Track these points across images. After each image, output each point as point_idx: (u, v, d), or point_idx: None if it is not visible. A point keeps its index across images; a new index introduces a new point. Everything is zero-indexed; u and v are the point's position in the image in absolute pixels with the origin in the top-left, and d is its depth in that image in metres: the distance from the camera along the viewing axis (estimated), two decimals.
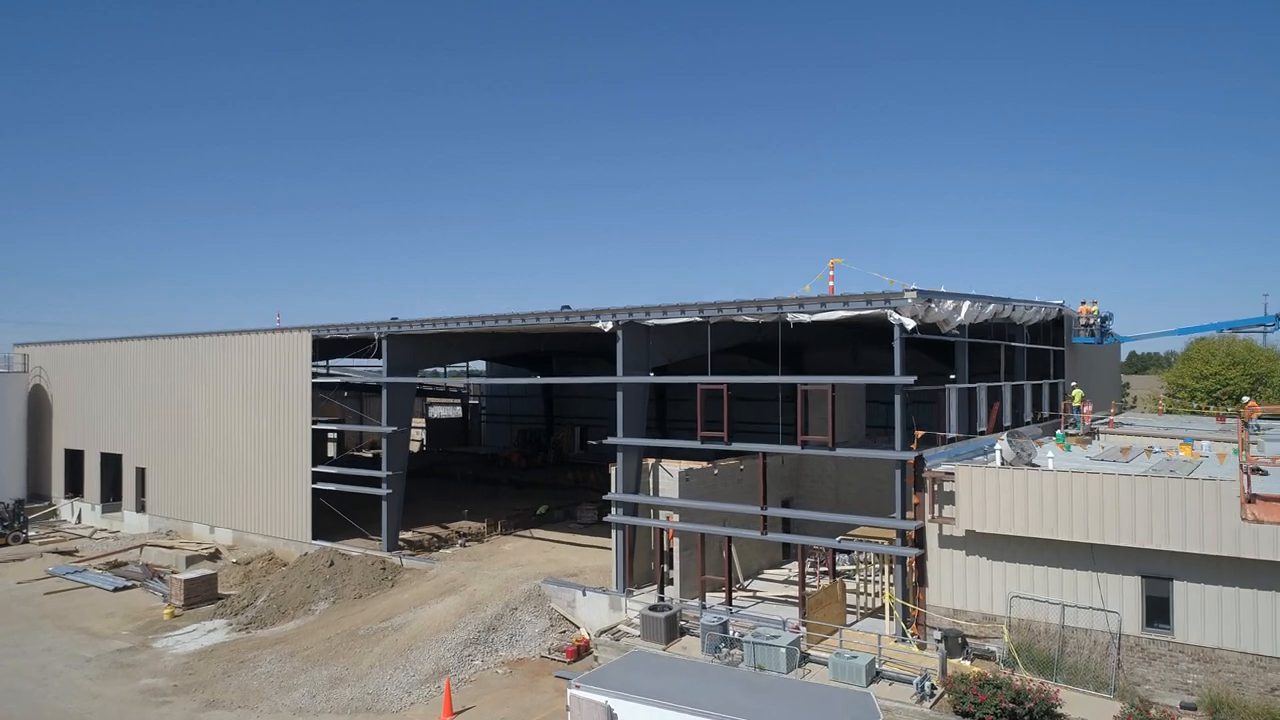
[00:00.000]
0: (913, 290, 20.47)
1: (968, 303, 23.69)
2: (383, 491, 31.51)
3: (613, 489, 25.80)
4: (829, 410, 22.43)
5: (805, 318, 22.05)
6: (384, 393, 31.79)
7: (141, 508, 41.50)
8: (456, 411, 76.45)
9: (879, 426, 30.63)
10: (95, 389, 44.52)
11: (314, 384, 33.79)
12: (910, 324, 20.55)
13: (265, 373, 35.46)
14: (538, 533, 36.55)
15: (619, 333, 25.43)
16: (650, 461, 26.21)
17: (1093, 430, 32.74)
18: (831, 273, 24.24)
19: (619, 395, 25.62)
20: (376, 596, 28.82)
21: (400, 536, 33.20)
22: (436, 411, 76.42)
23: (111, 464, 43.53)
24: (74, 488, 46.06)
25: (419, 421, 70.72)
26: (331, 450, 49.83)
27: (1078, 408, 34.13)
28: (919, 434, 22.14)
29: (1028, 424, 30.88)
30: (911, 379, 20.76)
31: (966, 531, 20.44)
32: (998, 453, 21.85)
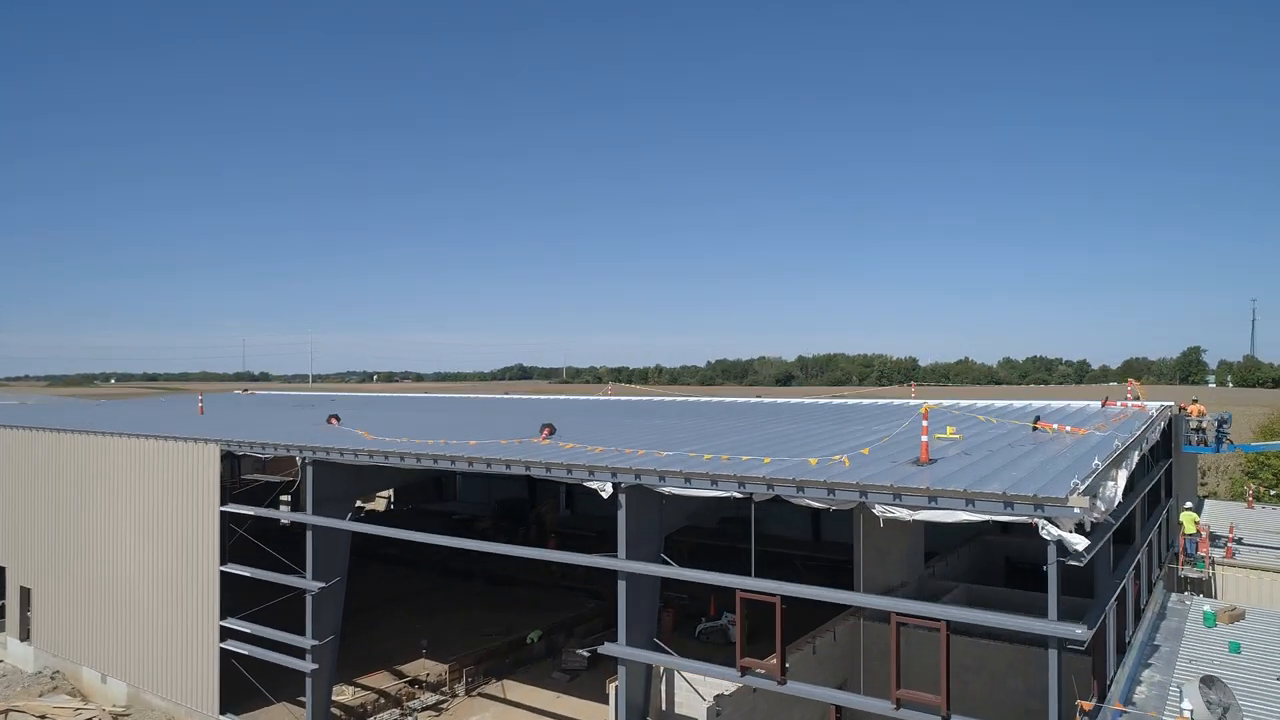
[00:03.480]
0: (1081, 493, 13.23)
1: (1124, 470, 16.55)
2: (306, 666, 24.03)
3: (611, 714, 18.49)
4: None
5: (904, 515, 14.81)
6: (308, 537, 24.31)
7: (26, 636, 33.78)
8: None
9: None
10: None
11: (225, 512, 26.28)
12: (1078, 542, 13.33)
13: (165, 492, 27.88)
14: (517, 690, 29.27)
15: (621, 498, 18.15)
16: (662, 670, 18.98)
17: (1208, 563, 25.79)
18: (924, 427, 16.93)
19: (620, 586, 18.32)
20: None
21: (334, 699, 25.90)
22: None
23: None
24: None
25: None
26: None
27: (1192, 536, 27.14)
28: None
29: (1155, 582, 23.87)
30: (1079, 629, 13.51)
31: None
32: (1188, 713, 14.71)
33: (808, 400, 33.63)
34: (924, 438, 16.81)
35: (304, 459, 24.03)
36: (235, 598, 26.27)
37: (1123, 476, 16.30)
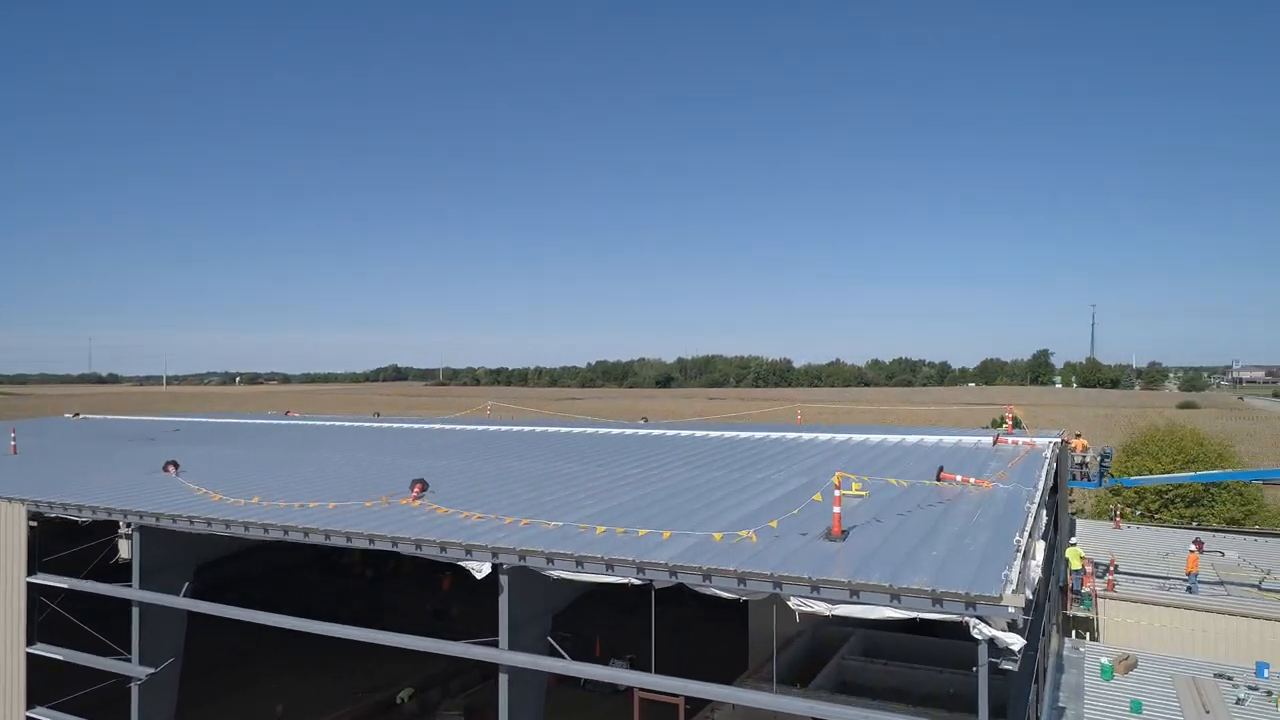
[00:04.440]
0: (1015, 590, 12.05)
1: (1041, 543, 15.67)
2: None
3: None
4: None
5: (822, 609, 13.30)
6: (134, 615, 20.92)
7: None
8: None
9: None
10: None
11: (33, 584, 22.43)
12: (1014, 643, 12.14)
13: None
14: None
15: (502, 579, 15.99)
16: None
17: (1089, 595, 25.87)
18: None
19: (501, 680, 16.16)
20: None
21: None
22: None
23: None
24: None
25: None
26: None
27: (1078, 572, 27.21)
28: None
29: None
30: None
31: None
32: None
33: (699, 432, 32.20)
34: (836, 509, 15.44)
35: (129, 524, 20.65)
36: (46, 684, 22.51)
37: (1040, 550, 15.42)
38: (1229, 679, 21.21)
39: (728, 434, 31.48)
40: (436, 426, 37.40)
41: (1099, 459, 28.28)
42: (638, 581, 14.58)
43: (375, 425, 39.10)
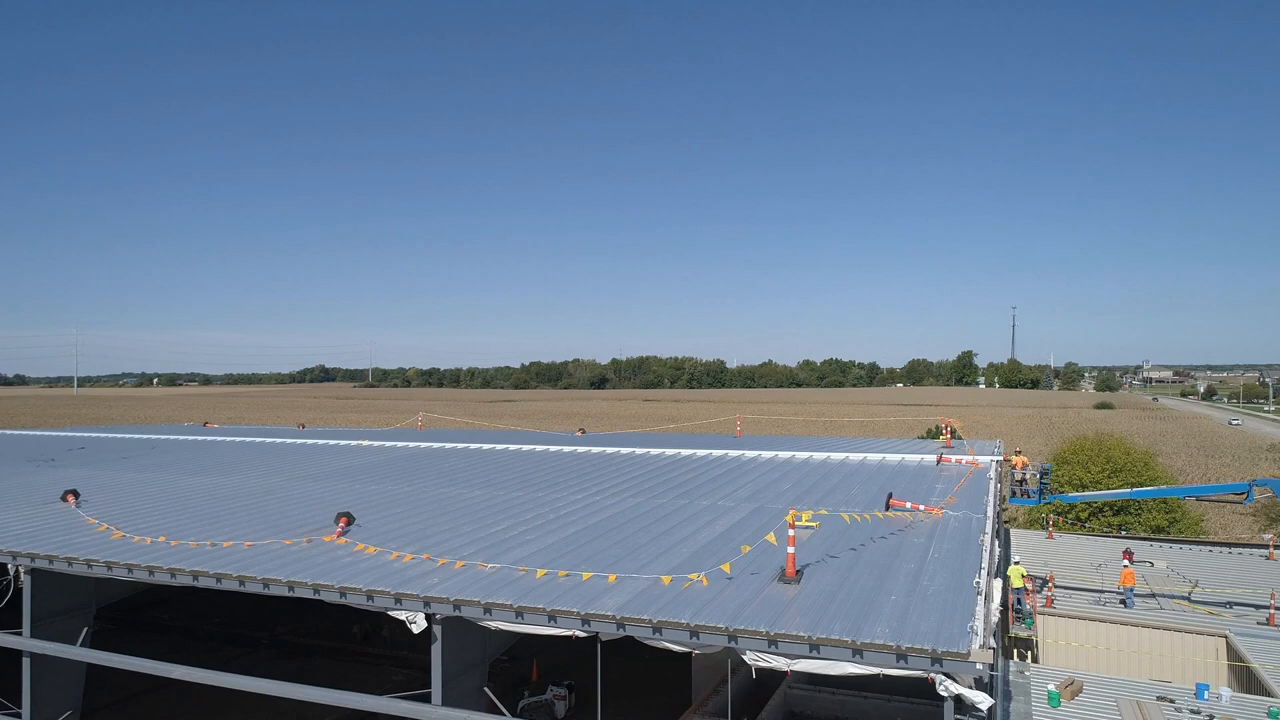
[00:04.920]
0: (982, 645, 11.45)
1: (998, 581, 15.22)
2: None
3: None
4: None
5: (780, 664, 12.51)
6: (25, 666, 19.03)
7: None
8: None
9: None
10: None
11: None
12: (981, 701, 11.53)
13: None
14: None
15: (435, 630, 14.82)
16: None
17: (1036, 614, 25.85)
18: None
19: None
20: None
21: None
22: None
23: None
24: None
25: None
26: None
27: (1020, 590, 27.13)
28: None
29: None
30: None
31: None
32: None
33: (640, 450, 31.32)
34: (790, 549, 14.71)
35: (18, 567, 18.77)
36: None
37: (997, 589, 14.97)
38: (1171, 701, 21.27)
39: (669, 451, 30.69)
40: (364, 444, 35.72)
41: (1038, 476, 28.41)
42: (583, 634, 13.60)
43: (298, 442, 37.18)
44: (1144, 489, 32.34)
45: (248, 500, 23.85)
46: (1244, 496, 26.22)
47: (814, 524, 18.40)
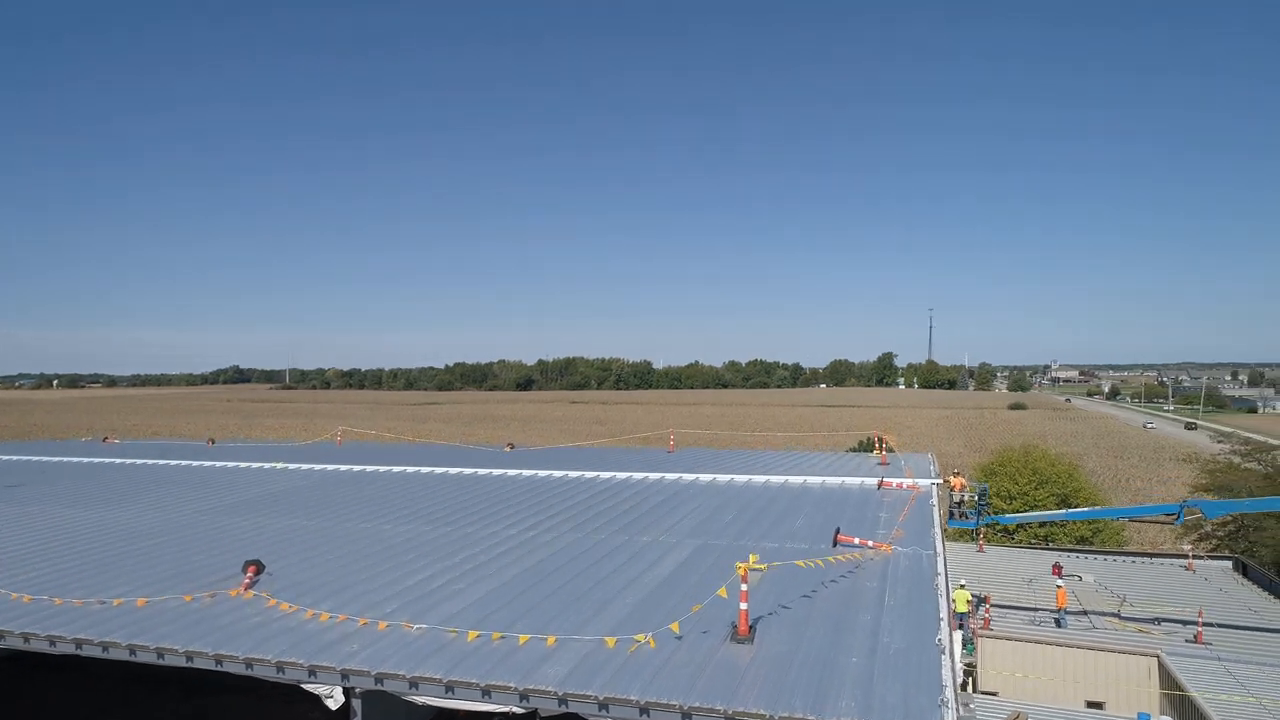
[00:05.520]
0: (955, 716, 10.69)
1: (960, 633, 14.54)
2: None
3: None
4: None
5: None
6: None
7: None
8: None
9: None
10: None
11: None
12: None
13: None
14: None
15: (355, 704, 13.38)
16: None
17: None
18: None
19: None
20: None
21: None
22: None
23: None
24: None
25: None
26: None
27: (964, 615, 26.96)
28: None
29: None
30: None
31: None
32: None
33: (574, 473, 30.11)
34: (743, 605, 13.77)
35: None
36: None
37: (957, 640, 14.31)
38: None
39: (604, 475, 29.59)
40: (279, 466, 33.61)
41: (976, 498, 28.29)
42: (520, 711, 12.36)
43: (205, 465, 34.79)
44: (1078, 510, 32.70)
45: (146, 541, 21.80)
46: (1175, 518, 26.56)
47: (762, 566, 17.51)
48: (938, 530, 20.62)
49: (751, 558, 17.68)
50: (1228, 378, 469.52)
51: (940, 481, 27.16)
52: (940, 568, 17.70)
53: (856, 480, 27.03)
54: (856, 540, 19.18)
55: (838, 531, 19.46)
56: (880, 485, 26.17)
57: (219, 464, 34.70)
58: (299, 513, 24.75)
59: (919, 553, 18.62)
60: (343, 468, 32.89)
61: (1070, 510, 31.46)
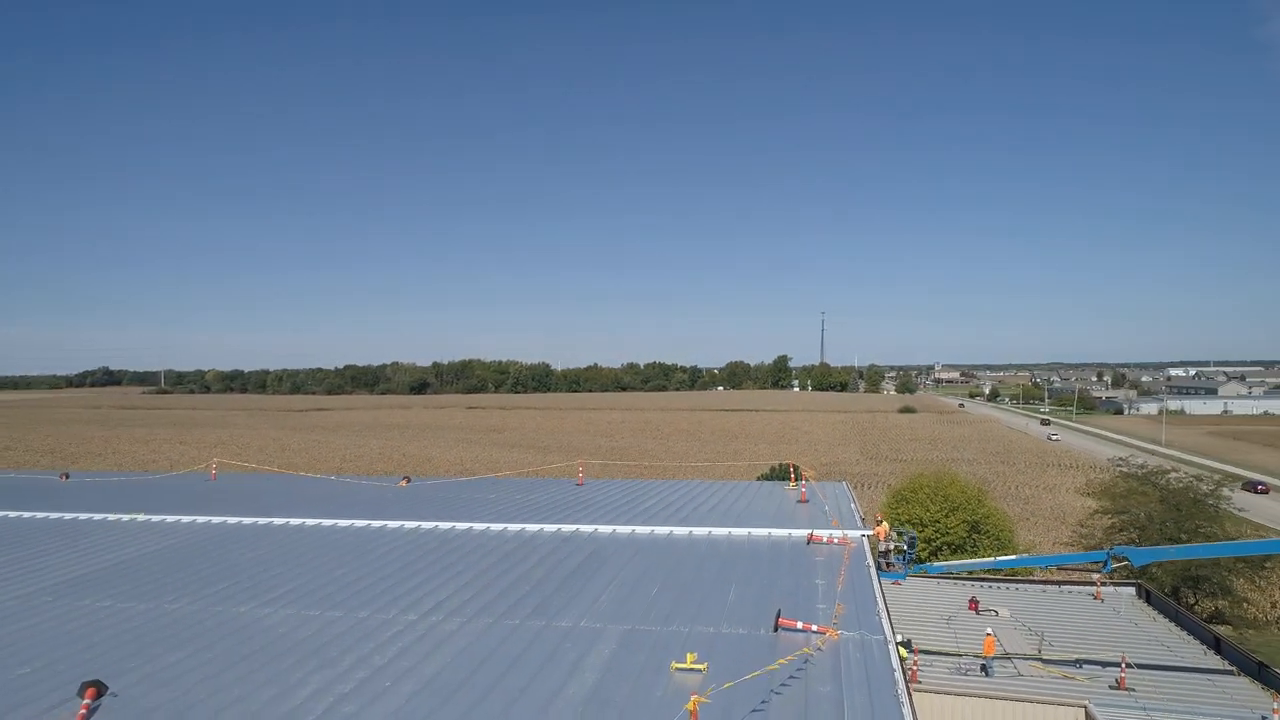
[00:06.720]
0: None
1: None
2: None
3: None
4: None
5: None
6: None
7: None
8: None
9: None
10: None
11: None
12: None
13: None
14: None
15: None
16: None
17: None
18: None
19: None
20: None
21: None
22: None
23: None
24: None
25: None
26: None
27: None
28: None
29: None
30: None
31: None
32: None
33: (479, 525, 27.52)
34: None
35: None
36: None
37: None
38: None
39: (512, 527, 27.17)
40: (138, 518, 29.73)
41: (905, 546, 27.31)
42: None
43: (51, 518, 30.47)
44: (1006, 558, 32.37)
45: None
46: (1102, 565, 26.18)
47: (700, 666, 15.59)
48: (881, 605, 19.18)
49: (689, 657, 15.81)
50: (1094, 378, 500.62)
51: (869, 534, 25.96)
52: (893, 657, 16.17)
53: (784, 533, 25.54)
54: (799, 625, 17.48)
55: (779, 615, 17.71)
56: (810, 540, 24.72)
57: (63, 516, 30.44)
58: (158, 591, 21.30)
59: (868, 639, 17.07)
60: (214, 520, 29.29)
61: (998, 559, 31.19)
